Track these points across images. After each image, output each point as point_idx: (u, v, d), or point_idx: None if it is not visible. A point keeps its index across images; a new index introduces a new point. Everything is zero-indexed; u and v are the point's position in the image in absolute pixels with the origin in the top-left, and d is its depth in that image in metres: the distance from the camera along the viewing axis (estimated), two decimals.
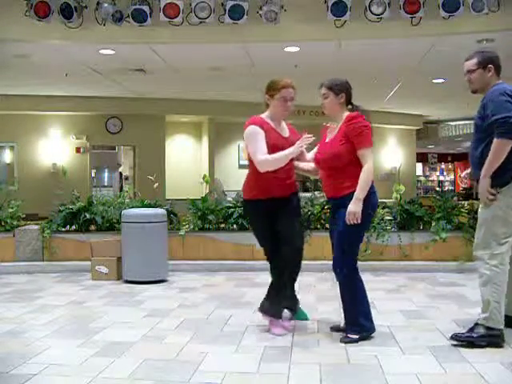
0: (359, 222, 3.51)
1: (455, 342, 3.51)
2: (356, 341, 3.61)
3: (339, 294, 3.78)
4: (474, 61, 3.65)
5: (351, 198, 3.54)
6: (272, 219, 3.82)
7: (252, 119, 3.81)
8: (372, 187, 3.64)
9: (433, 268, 6.49)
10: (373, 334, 3.80)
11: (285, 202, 3.85)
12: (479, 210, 3.64)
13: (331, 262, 6.76)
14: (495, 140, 3.40)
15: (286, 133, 3.93)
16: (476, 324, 3.52)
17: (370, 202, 3.60)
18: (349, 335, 3.66)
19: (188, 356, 3.38)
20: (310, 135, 3.76)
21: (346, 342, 3.60)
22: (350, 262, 3.67)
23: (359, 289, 3.70)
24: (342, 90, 3.78)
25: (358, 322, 3.67)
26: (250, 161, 3.85)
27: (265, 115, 3.86)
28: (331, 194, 3.76)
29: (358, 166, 3.62)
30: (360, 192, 3.54)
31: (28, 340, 3.75)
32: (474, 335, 3.48)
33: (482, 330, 3.46)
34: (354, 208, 3.51)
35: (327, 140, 3.84)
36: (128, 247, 6.02)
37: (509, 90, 3.49)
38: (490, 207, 3.49)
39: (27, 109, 11.93)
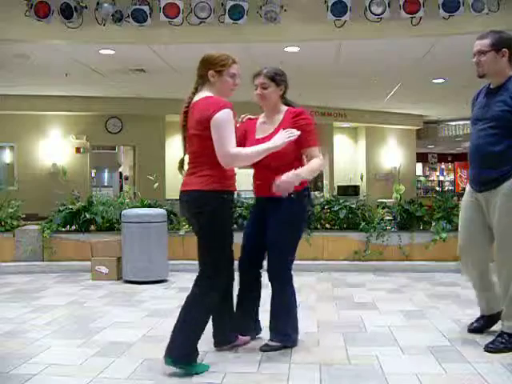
0: (288, 193, 3.18)
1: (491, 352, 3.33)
2: (277, 349, 3.40)
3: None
4: (488, 41, 3.29)
5: (291, 200, 3.29)
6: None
7: (225, 101, 3.10)
8: (308, 189, 3.42)
9: (433, 268, 6.49)
10: (370, 335, 3.81)
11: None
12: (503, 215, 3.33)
13: (330, 262, 6.80)
14: None
15: None
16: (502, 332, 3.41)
17: (307, 202, 3.43)
18: (270, 343, 3.44)
19: None
20: (295, 130, 3.21)
21: (265, 351, 3.39)
22: (284, 270, 3.44)
23: (291, 299, 3.48)
24: (283, 81, 3.49)
25: (285, 331, 3.46)
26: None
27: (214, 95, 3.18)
28: (268, 193, 3.29)
29: (301, 164, 3.36)
30: (305, 172, 3.25)
31: (28, 340, 3.74)
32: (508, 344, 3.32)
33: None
34: (291, 179, 3.11)
35: (261, 135, 3.44)
36: (128, 247, 6.02)
37: None
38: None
39: (27, 109, 11.93)
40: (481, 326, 3.74)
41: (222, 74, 3.18)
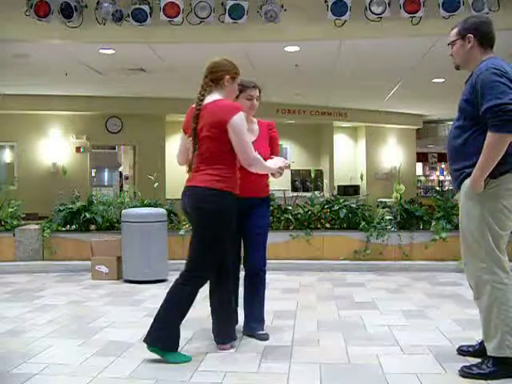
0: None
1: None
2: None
3: (244, 295, 3.80)
4: (455, 30, 3.10)
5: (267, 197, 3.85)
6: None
7: (238, 104, 3.42)
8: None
9: (433, 268, 6.49)
10: (370, 335, 3.81)
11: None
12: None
13: (330, 262, 6.81)
14: (489, 134, 2.78)
15: None
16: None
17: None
18: (261, 332, 3.73)
19: None
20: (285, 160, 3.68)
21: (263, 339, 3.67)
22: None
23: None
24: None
25: (263, 318, 3.80)
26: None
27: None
28: (253, 193, 3.67)
29: None
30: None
31: (28, 339, 3.74)
32: None
33: None
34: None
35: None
36: (128, 247, 6.02)
37: (500, 66, 2.86)
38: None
39: (27, 109, 11.93)
40: (474, 350, 3.25)
41: (234, 80, 3.43)
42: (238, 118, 3.23)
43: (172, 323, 3.27)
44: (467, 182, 2.94)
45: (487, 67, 2.87)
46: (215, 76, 3.35)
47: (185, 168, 3.48)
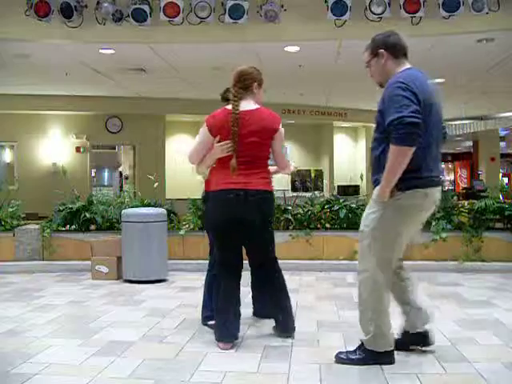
0: None
1: None
2: None
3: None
4: (366, 52, 3.20)
5: None
6: None
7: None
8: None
9: (433, 268, 6.48)
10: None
11: None
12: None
13: (330, 262, 6.80)
14: (391, 146, 2.84)
15: None
16: None
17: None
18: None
19: (188, 356, 3.38)
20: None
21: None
22: None
23: None
24: None
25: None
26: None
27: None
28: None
29: None
30: None
31: (28, 339, 3.75)
32: None
33: None
34: None
35: None
36: (128, 247, 6.02)
37: (408, 79, 2.92)
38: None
39: (27, 109, 11.93)
40: (405, 341, 3.36)
41: (261, 86, 3.69)
42: (282, 128, 3.65)
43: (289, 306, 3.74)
44: (376, 188, 3.04)
45: (394, 81, 2.98)
46: (244, 84, 3.59)
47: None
